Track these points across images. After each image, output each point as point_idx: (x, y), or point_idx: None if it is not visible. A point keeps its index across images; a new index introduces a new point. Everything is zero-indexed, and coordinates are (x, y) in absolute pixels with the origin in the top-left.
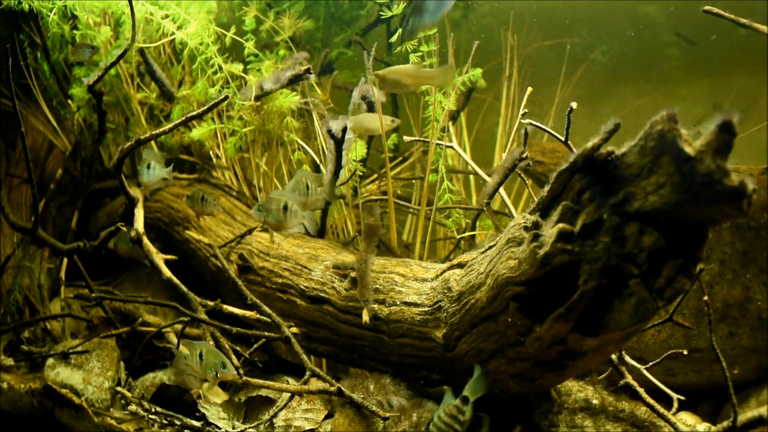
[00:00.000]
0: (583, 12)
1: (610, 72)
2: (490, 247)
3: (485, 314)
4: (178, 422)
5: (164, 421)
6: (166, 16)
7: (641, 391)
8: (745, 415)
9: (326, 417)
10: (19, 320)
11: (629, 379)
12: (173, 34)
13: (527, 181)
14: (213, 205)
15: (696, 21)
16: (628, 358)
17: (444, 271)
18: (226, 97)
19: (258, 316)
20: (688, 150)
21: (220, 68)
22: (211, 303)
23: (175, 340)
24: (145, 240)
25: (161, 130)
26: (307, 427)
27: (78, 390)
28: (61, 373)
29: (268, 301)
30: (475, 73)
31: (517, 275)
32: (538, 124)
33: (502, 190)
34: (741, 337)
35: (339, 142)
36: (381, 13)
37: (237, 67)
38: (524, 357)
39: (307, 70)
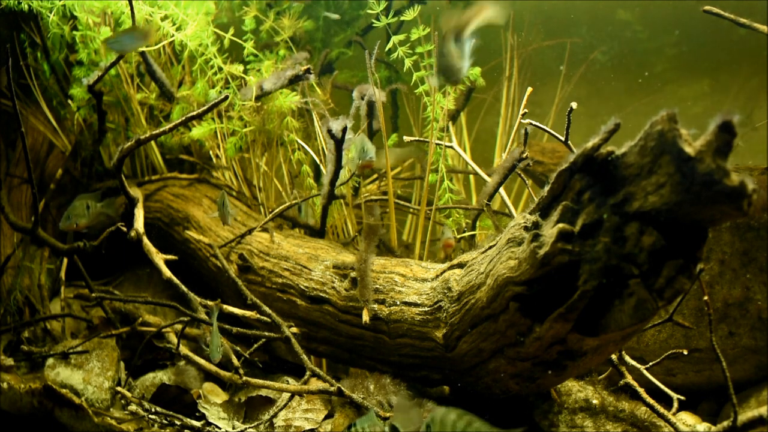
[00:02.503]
0: (583, 12)
1: (610, 72)
2: (490, 247)
3: (485, 314)
4: (178, 422)
5: (164, 421)
6: (165, 17)
7: (641, 391)
8: (745, 415)
9: (326, 417)
10: (19, 320)
11: (629, 379)
12: (172, 36)
13: (527, 181)
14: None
15: (696, 20)
16: (628, 358)
17: (444, 271)
18: (226, 97)
19: (258, 316)
20: (688, 150)
21: (220, 69)
22: (211, 303)
23: (175, 340)
24: (145, 240)
25: (161, 130)
26: (307, 427)
27: (78, 390)
28: (61, 373)
29: (268, 301)
30: (473, 72)
31: (517, 275)
32: (538, 124)
33: (502, 190)
34: (741, 337)
35: (339, 142)
36: (373, 23)
37: (237, 68)
38: (524, 357)
39: (307, 70)
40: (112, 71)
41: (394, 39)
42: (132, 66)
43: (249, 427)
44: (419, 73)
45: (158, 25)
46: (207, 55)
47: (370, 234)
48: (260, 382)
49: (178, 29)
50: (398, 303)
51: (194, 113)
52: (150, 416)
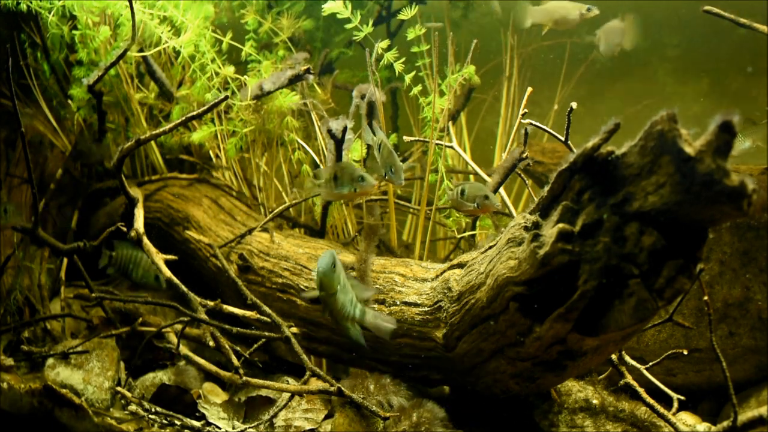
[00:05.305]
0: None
1: (610, 72)
2: (490, 247)
3: (485, 314)
4: (178, 422)
5: (164, 421)
6: (164, 19)
7: (641, 391)
8: (745, 415)
9: (326, 417)
10: (19, 320)
11: (629, 379)
12: (167, 42)
13: (527, 181)
14: None
15: (696, 20)
16: (628, 358)
17: (444, 271)
18: (226, 98)
19: (258, 316)
20: (688, 150)
21: (216, 73)
22: (211, 303)
23: (175, 340)
24: (145, 240)
25: (161, 130)
26: (307, 427)
27: (78, 390)
28: (61, 373)
29: (268, 301)
30: (469, 70)
31: (517, 275)
32: (538, 124)
33: (502, 190)
34: (741, 337)
35: (339, 142)
36: (383, 11)
37: (233, 71)
38: (524, 357)
39: (307, 70)
40: (112, 71)
41: (379, 47)
42: (132, 66)
43: (249, 427)
44: (410, 75)
45: (155, 29)
46: (204, 60)
47: (370, 234)
48: (260, 382)
49: (177, 32)
50: (398, 303)
51: (194, 113)
52: (150, 416)
